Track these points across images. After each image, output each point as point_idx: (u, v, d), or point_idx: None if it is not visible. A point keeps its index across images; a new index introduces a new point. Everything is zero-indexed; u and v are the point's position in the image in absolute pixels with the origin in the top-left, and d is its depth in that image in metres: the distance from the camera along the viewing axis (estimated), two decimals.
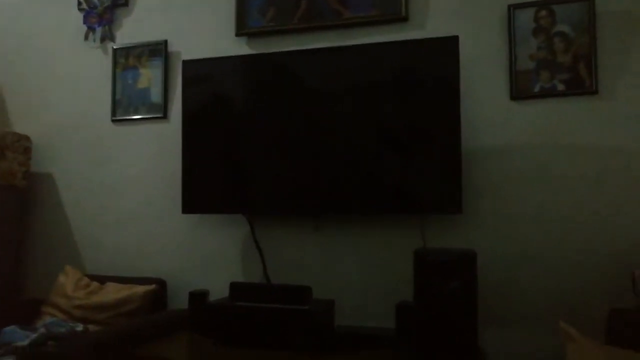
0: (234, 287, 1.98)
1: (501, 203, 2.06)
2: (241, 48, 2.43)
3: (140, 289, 2.23)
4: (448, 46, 1.97)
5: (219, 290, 2.12)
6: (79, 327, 2.03)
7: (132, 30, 2.63)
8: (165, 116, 2.53)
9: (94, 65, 2.68)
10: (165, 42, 2.54)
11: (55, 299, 2.29)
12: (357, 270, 2.19)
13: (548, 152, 2.03)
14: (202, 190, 2.28)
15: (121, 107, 2.61)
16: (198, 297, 2.07)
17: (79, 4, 2.71)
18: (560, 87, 2.01)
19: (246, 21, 2.42)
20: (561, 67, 2.02)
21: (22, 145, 2.56)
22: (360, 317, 2.12)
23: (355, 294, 2.17)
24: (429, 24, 2.19)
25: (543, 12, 2.04)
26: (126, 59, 2.62)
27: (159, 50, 2.55)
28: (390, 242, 2.15)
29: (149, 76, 2.57)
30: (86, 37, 2.69)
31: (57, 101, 2.73)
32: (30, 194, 2.66)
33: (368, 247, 2.19)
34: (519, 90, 2.06)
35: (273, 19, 2.38)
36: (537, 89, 2.04)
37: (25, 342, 1.87)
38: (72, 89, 2.71)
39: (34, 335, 1.90)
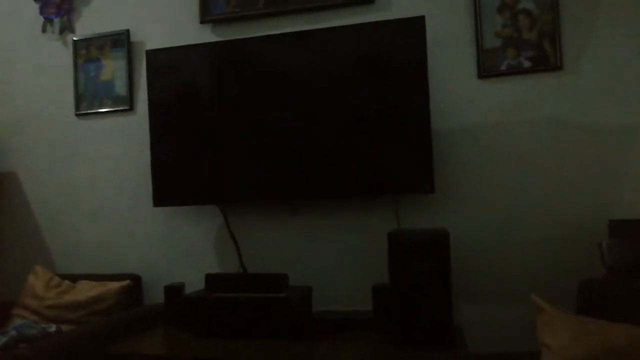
0: (210, 278, 1.96)
1: (472, 180, 2.08)
2: (206, 35, 2.38)
3: (114, 285, 2.19)
4: (415, 26, 1.97)
5: (194, 283, 2.10)
6: (52, 328, 1.99)
7: (92, 20, 2.55)
8: (131, 108, 2.47)
9: (54, 58, 2.59)
10: (128, 31, 2.47)
11: (26, 300, 2.23)
12: (334, 255, 2.19)
13: (516, 129, 2.05)
14: (173, 182, 2.24)
15: (85, 100, 2.54)
16: (173, 291, 2.05)
17: None
18: (527, 64, 2.03)
19: (210, 8, 2.36)
20: (527, 44, 2.03)
21: None
22: (338, 301, 2.13)
23: (333, 278, 2.17)
24: (394, 5, 2.18)
25: None
26: (88, 51, 2.54)
27: (121, 41, 2.48)
28: (366, 224, 2.15)
29: (112, 67, 2.50)
30: (44, 29, 2.60)
31: (17, 97, 2.64)
32: None
33: (344, 231, 2.18)
34: (486, 69, 2.07)
35: (237, 4, 2.33)
36: (504, 66, 2.05)
37: None
38: (32, 84, 2.62)
39: (4, 339, 1.85)
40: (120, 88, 2.49)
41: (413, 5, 2.14)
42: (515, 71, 2.04)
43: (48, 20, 2.59)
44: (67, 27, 2.57)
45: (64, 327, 2.06)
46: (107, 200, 2.48)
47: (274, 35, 2.17)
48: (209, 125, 2.19)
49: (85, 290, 2.20)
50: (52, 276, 2.33)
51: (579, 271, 1.90)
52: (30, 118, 2.61)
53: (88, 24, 2.56)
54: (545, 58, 2.01)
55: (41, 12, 2.59)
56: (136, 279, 2.30)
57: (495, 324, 2.00)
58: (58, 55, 2.58)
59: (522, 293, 1.96)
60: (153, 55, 2.26)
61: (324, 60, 2.09)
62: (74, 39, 2.55)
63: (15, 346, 1.84)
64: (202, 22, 2.37)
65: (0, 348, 1.83)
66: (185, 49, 2.23)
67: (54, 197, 2.56)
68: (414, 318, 1.64)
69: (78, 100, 2.54)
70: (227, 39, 2.32)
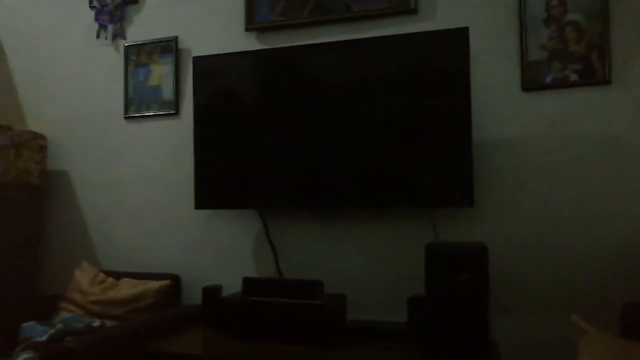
0: (247, 282, 2.00)
1: (513, 195, 2.04)
2: (251, 43, 2.43)
3: (155, 284, 2.26)
4: (458, 38, 1.95)
5: (232, 285, 2.14)
6: (96, 323, 2.07)
7: (142, 27, 2.65)
8: (177, 112, 2.55)
9: (106, 63, 2.70)
10: (176, 38, 2.56)
11: (72, 295, 2.33)
12: (369, 264, 2.19)
13: (560, 144, 2.00)
14: (214, 186, 2.29)
15: (133, 104, 2.63)
16: (211, 292, 2.09)
17: (90, 2, 2.74)
18: (573, 77, 1.98)
19: (255, 16, 2.42)
20: (573, 56, 1.99)
21: (38, 143, 2.60)
22: (372, 311, 2.13)
23: (367, 287, 2.17)
24: (438, 15, 2.17)
25: (554, 1, 2.01)
26: (137, 56, 2.64)
27: (169, 47, 2.57)
28: (401, 235, 2.15)
29: (160, 73, 2.59)
30: (98, 35, 2.72)
31: (71, 99, 2.76)
32: (46, 192, 2.71)
33: (380, 241, 2.19)
34: (531, 81, 2.03)
35: (282, 13, 2.37)
36: (549, 79, 2.01)
37: (44, 338, 1.91)
38: (85, 87, 2.74)
39: (52, 331, 1.94)
40: (167, 93, 2.57)
41: (457, 16, 2.13)
42: (561, 84, 1.99)
43: (102, 27, 2.71)
44: (119, 34, 2.68)
45: (107, 323, 2.15)
46: (151, 201, 2.57)
47: (318, 44, 2.20)
48: (251, 131, 2.24)
49: (128, 288, 2.28)
50: (97, 272, 2.42)
51: (621, 290, 1.85)
52: (82, 119, 2.73)
53: (139, 31, 2.66)
54: (593, 71, 1.96)
55: (96, 19, 2.71)
56: (176, 279, 2.37)
57: (532, 341, 1.96)
58: (110, 60, 2.70)
59: (561, 310, 1.92)
60: (199, 62, 2.33)
61: (366, 69, 2.10)
62: (125, 44, 2.66)
63: (61, 338, 1.93)
64: (247, 29, 2.43)
65: (47, 339, 1.92)
66: (230, 56, 2.29)
67: (101, 196, 2.66)
68: (449, 331, 1.62)
69: (127, 104, 2.64)
70: (272, 46, 2.37)
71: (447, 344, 1.62)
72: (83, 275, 2.39)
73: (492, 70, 2.08)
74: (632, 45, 1.94)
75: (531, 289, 2.00)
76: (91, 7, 2.74)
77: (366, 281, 2.18)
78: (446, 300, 1.63)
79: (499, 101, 2.07)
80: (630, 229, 1.91)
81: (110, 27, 2.69)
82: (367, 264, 2.20)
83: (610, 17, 1.95)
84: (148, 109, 2.60)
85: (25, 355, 1.76)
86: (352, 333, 1.92)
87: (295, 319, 1.84)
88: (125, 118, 2.64)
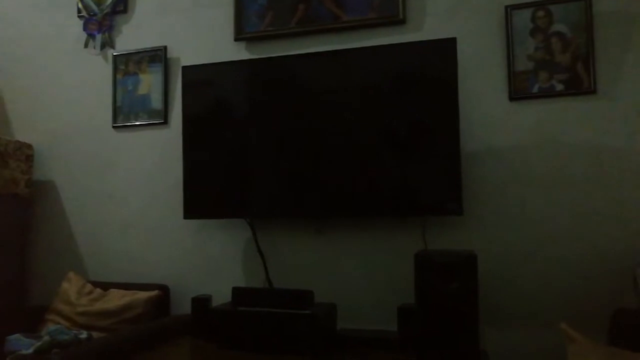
0: (236, 292, 1.98)
1: (501, 204, 2.06)
2: (240, 53, 2.44)
3: (143, 295, 2.24)
4: (446, 48, 1.98)
5: (221, 295, 2.13)
6: (83, 334, 2.04)
7: (131, 36, 2.65)
8: (165, 122, 2.54)
9: (94, 72, 2.69)
10: (165, 48, 2.55)
11: (59, 306, 2.30)
12: (359, 273, 2.19)
13: (547, 153, 2.03)
14: (203, 195, 2.29)
15: (122, 113, 2.62)
16: (201, 303, 2.08)
17: (79, 11, 2.72)
18: (559, 87, 2.01)
19: (244, 26, 2.43)
20: (559, 67, 2.02)
21: (24, 153, 2.57)
22: (362, 320, 2.13)
23: (358, 296, 2.17)
24: (426, 25, 2.19)
25: (540, 13, 2.04)
26: (126, 66, 2.63)
27: (158, 56, 2.57)
28: (391, 244, 2.16)
29: (149, 82, 2.58)
30: (86, 45, 2.71)
31: (59, 109, 2.74)
32: (32, 202, 2.67)
33: (370, 250, 2.19)
34: (518, 91, 2.06)
35: (271, 23, 2.38)
36: (535, 89, 2.04)
37: (30, 350, 1.88)
38: (73, 96, 2.72)
39: (38, 343, 1.91)
40: (156, 102, 2.56)
41: (445, 27, 2.15)
42: (547, 94, 2.02)
43: (90, 36, 2.70)
44: (107, 43, 2.67)
45: (94, 334, 2.11)
46: (139, 211, 2.55)
47: (307, 53, 2.21)
48: (240, 140, 2.24)
49: (116, 299, 2.25)
50: (85, 283, 2.39)
51: (610, 298, 1.87)
52: (70, 129, 2.71)
53: (127, 40, 2.65)
54: (578, 81, 1.99)
55: (84, 29, 2.70)
56: (164, 290, 2.35)
57: (522, 350, 1.97)
58: (98, 70, 2.68)
59: (551, 318, 1.94)
60: (188, 72, 2.33)
61: (355, 79, 2.11)
62: (114, 54, 2.64)
63: (48, 351, 1.90)
64: (236, 39, 2.43)
65: (34, 352, 1.89)
66: (219, 65, 2.29)
67: (89, 205, 2.64)
68: (439, 340, 1.63)
69: (115, 113, 2.63)
70: (261, 56, 2.37)
71: (437, 353, 1.62)
72: (70, 286, 2.36)
73: (480, 80, 2.11)
74: (616, 55, 1.98)
75: (521, 296, 2.01)
76: (79, 17, 2.72)
77: (357, 290, 2.18)
78: (436, 309, 1.63)
79: (487, 110, 2.09)
80: (618, 236, 1.93)
81: (98, 37, 2.68)
82: (357, 272, 2.20)
83: (594, 28, 1.99)
84: (137, 118, 2.59)
85: None
86: (343, 342, 1.92)
87: (285, 329, 1.83)
88: (114, 127, 2.63)
